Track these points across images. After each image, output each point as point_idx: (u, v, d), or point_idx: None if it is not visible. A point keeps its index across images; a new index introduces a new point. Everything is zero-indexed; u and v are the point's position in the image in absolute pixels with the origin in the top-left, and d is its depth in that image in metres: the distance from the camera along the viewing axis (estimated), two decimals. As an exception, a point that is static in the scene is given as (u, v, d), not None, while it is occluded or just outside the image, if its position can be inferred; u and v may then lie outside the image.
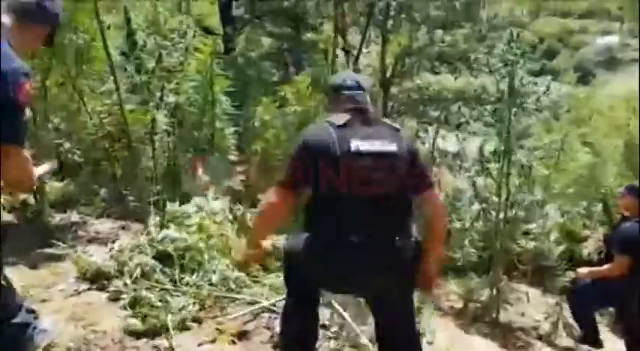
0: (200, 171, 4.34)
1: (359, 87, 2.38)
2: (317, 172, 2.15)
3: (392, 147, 2.19)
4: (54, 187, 5.43)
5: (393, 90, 10.45)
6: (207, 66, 5.09)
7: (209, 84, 5.13)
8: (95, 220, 4.81)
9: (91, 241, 4.26)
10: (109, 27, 4.91)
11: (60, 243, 3.94)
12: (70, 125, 5.76)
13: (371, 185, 2.13)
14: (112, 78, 4.84)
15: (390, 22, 9.76)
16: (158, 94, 5.28)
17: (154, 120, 5.09)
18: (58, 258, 3.79)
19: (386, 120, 2.38)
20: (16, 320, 2.32)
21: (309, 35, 13.99)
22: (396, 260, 2.16)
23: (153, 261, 3.35)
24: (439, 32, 10.43)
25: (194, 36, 5.78)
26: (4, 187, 2.13)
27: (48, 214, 4.56)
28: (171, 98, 5.40)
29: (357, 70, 10.71)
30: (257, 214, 2.40)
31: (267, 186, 5.45)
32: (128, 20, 5.21)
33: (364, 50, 11.52)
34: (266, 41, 14.07)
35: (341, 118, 2.24)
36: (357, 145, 2.14)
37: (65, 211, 4.89)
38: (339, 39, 10.80)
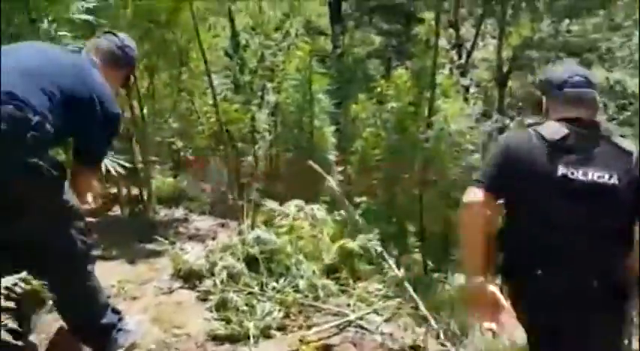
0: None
1: (589, 84, 1.87)
2: (514, 190, 1.80)
3: (612, 179, 1.73)
4: (166, 182, 5.69)
5: (511, 85, 9.74)
6: (306, 64, 4.99)
7: (308, 83, 5.03)
8: (198, 217, 4.93)
9: (191, 238, 4.34)
10: (209, 28, 5.00)
11: (161, 238, 4.04)
12: (182, 124, 6.01)
13: (580, 219, 1.73)
14: (212, 77, 4.93)
15: (509, 12, 9.08)
16: (259, 93, 5.31)
17: (253, 119, 5.12)
18: (158, 254, 3.87)
19: (617, 138, 1.84)
20: (103, 321, 2.33)
21: (418, 29, 13.55)
22: (608, 300, 1.74)
23: (241, 263, 3.28)
24: (565, 22, 9.51)
25: (296, 35, 5.72)
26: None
27: (154, 209, 4.75)
28: (272, 97, 5.40)
29: (469, 65, 10.10)
30: (460, 225, 1.90)
31: (366, 187, 5.32)
32: (232, 21, 5.29)
33: (479, 43, 10.87)
34: (376, 39, 13.87)
35: (556, 131, 1.79)
36: (566, 171, 1.73)
37: (172, 207, 5.08)
38: (452, 32, 10.26)
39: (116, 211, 4.87)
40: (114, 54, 2.16)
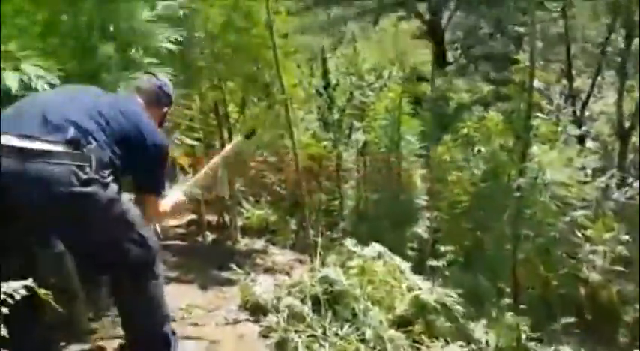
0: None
1: None
2: None
3: None
4: (255, 214, 5.78)
5: (635, 141, 8.91)
6: (396, 105, 4.89)
7: (397, 124, 4.91)
8: (277, 250, 4.91)
9: (266, 270, 4.31)
10: (298, 66, 5.10)
11: (237, 268, 4.04)
12: (276, 157, 6.13)
13: None
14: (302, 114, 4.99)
15: (631, 64, 8.40)
16: (347, 132, 5.29)
17: (340, 157, 5.07)
18: (230, 282, 3.87)
19: None
20: (164, 330, 2.32)
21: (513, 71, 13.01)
22: None
23: (306, 302, 3.14)
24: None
25: (389, 76, 5.68)
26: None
27: (236, 238, 4.80)
28: (360, 136, 5.34)
29: (586, 117, 9.43)
30: None
31: (457, 237, 5.00)
32: (324, 60, 5.37)
33: (596, 94, 10.14)
34: (482, 86, 13.54)
35: None
36: None
37: (255, 238, 5.12)
38: (565, 82, 9.70)
39: (207, 237, 4.99)
40: (155, 94, 2.35)
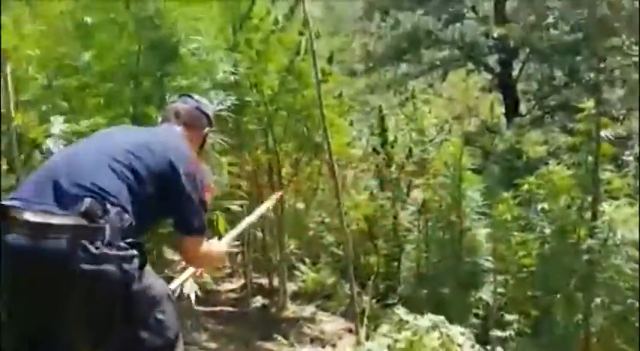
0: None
1: None
2: None
3: None
4: (310, 277, 5.59)
5: None
6: (457, 160, 4.63)
7: (458, 180, 4.62)
8: (328, 317, 4.65)
9: (313, 340, 4.06)
10: (351, 123, 5.02)
11: (281, 338, 3.84)
12: (332, 219, 5.97)
13: None
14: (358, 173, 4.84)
15: None
16: (405, 190, 5.06)
17: (396, 217, 4.84)
18: (273, 355, 3.67)
19: None
20: None
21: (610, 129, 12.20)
22: None
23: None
24: None
25: (450, 130, 5.45)
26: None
27: (284, 303, 4.61)
28: (418, 194, 5.09)
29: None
30: None
31: (523, 304, 4.51)
32: (382, 118, 5.26)
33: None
34: (559, 138, 12.87)
35: None
36: None
37: (305, 303, 4.90)
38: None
39: (255, 302, 4.84)
40: (194, 115, 2.17)
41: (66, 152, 2.03)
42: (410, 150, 5.23)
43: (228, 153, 3.91)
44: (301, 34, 3.76)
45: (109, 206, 1.78)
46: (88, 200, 1.76)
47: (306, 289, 5.45)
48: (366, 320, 3.64)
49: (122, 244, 1.78)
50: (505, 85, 14.05)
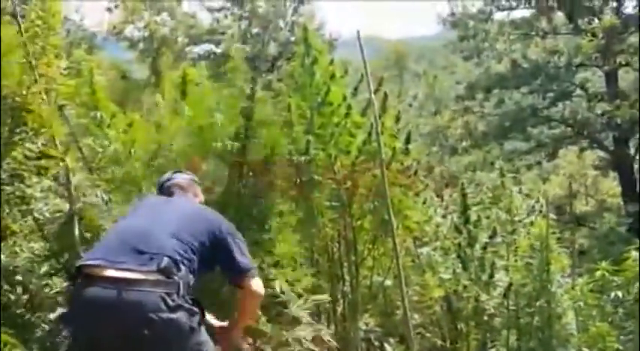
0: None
1: None
2: None
3: None
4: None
5: None
6: (543, 243, 4.45)
7: (545, 263, 4.42)
8: (403, 400, 4.48)
9: None
10: (424, 201, 5.04)
11: None
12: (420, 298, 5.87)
13: None
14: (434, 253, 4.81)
15: None
16: (489, 271, 4.89)
17: (477, 300, 4.67)
18: None
19: None
20: None
21: None
22: None
23: None
24: None
25: (540, 211, 5.26)
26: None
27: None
28: (503, 276, 4.89)
29: None
30: None
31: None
32: (464, 196, 5.23)
33: None
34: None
35: None
36: None
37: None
38: None
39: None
40: (192, 185, 2.53)
41: (128, 221, 2.32)
42: (494, 229, 5.09)
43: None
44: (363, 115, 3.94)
45: (180, 265, 2.08)
46: (165, 259, 2.07)
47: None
48: None
49: (188, 298, 2.07)
50: (621, 164, 13.17)
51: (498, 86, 14.43)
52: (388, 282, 5.38)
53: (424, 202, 5.30)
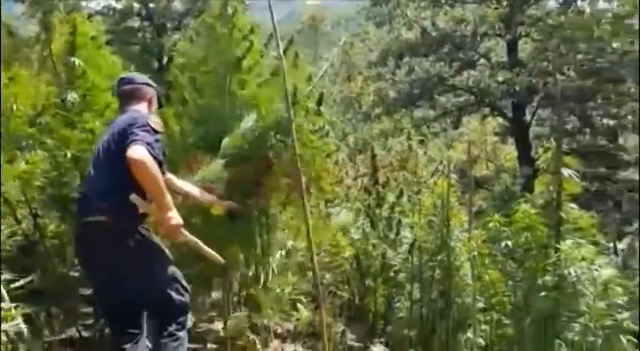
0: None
1: None
2: None
3: None
4: (303, 315, 5.60)
5: None
6: (444, 201, 4.72)
7: (445, 221, 4.70)
8: (313, 357, 4.65)
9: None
10: (336, 162, 5.15)
11: (262, 372, 3.87)
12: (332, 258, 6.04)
13: None
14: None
15: None
16: (395, 229, 5.14)
17: (384, 256, 4.91)
18: None
19: None
20: None
21: (625, 173, 12.11)
22: None
23: None
24: None
25: (444, 173, 5.54)
26: None
27: (267, 341, 4.63)
28: (408, 234, 5.16)
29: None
30: None
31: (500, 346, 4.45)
32: (373, 158, 5.41)
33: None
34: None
35: None
36: None
37: (291, 342, 4.91)
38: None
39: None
40: (133, 91, 2.58)
41: None
42: (401, 190, 5.34)
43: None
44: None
45: None
46: None
47: (300, 328, 5.47)
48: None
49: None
50: (518, 130, 14.15)
51: (409, 53, 14.83)
52: (300, 243, 5.50)
53: (336, 163, 5.43)
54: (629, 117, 12.26)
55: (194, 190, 2.91)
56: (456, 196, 5.16)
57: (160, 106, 2.76)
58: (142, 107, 2.52)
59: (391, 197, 5.44)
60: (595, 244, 3.08)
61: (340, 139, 10.42)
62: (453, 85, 15.00)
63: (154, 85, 2.66)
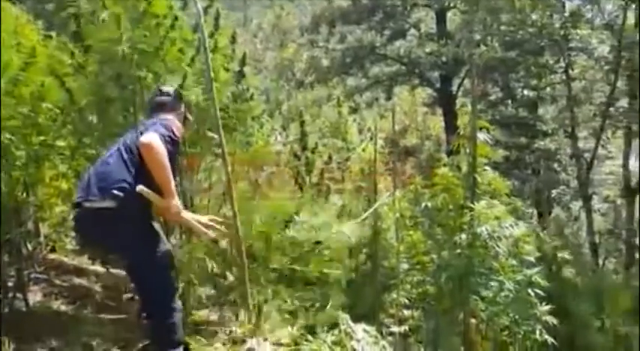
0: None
1: None
2: None
3: None
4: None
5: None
6: (372, 167, 4.81)
7: (372, 184, 4.81)
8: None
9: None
10: (261, 127, 5.13)
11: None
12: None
13: None
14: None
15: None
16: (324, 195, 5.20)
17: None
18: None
19: None
20: None
21: (542, 143, 12.78)
22: None
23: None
24: None
25: (371, 138, 5.64)
26: None
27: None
28: (337, 199, 5.24)
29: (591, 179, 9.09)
30: None
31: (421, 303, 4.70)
32: (302, 123, 5.40)
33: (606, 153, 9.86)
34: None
35: None
36: None
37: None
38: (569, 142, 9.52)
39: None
40: (165, 103, 2.83)
41: None
42: (330, 156, 5.39)
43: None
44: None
45: None
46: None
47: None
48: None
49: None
50: (445, 101, 14.59)
51: (341, 21, 14.77)
52: (227, 211, 5.41)
53: (261, 127, 5.37)
54: (548, 89, 12.91)
55: None
56: (384, 162, 5.29)
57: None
58: (169, 117, 2.72)
59: (320, 163, 5.49)
60: (509, 205, 3.26)
61: (275, 106, 10.33)
62: (384, 54, 15.12)
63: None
